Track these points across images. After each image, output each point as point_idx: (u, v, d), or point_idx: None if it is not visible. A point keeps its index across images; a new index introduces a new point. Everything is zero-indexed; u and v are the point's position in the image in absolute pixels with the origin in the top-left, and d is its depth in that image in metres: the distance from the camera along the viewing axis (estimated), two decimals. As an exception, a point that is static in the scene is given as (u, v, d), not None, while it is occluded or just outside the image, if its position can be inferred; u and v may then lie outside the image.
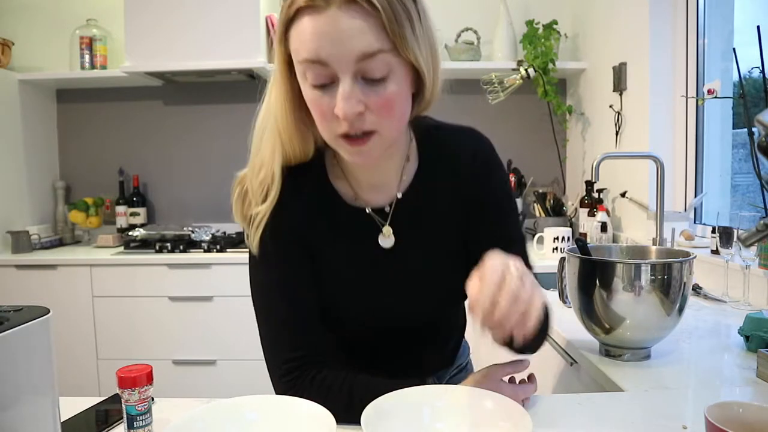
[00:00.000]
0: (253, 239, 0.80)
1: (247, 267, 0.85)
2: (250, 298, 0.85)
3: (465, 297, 0.92)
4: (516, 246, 0.83)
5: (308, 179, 0.83)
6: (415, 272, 0.85)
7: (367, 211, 0.84)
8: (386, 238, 0.84)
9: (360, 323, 0.87)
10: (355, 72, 0.66)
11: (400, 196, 0.84)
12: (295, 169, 0.81)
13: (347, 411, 0.71)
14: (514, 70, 2.55)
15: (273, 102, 0.77)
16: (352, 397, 0.75)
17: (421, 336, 0.92)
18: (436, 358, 0.98)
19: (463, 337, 1.05)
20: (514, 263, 0.62)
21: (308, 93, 0.70)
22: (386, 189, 0.84)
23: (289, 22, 0.68)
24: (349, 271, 0.84)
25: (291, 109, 0.76)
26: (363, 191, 0.84)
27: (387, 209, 0.84)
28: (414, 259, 0.85)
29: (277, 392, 0.80)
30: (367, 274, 0.84)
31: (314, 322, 0.82)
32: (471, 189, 0.84)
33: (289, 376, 0.78)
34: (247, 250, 0.84)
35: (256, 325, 0.84)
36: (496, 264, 0.61)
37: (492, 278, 0.59)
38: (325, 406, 0.68)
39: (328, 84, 0.68)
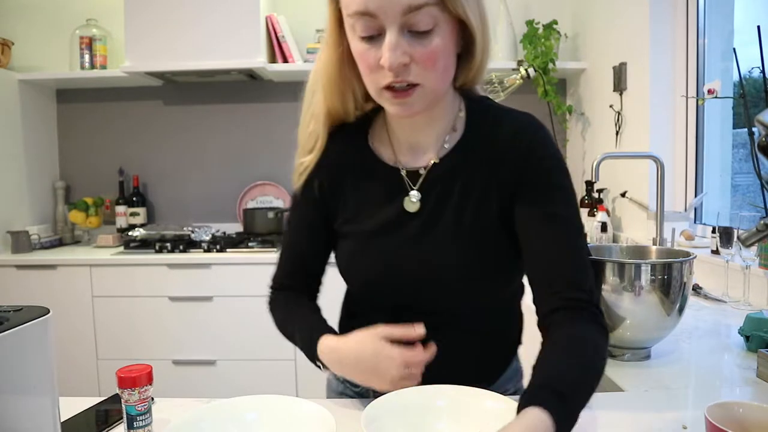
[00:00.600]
0: (297, 182, 0.90)
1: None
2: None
3: (499, 284, 0.84)
4: (561, 224, 0.76)
5: (349, 137, 0.88)
6: (435, 241, 0.82)
7: (402, 172, 0.84)
8: (412, 203, 0.83)
9: (378, 290, 0.86)
10: (402, 24, 0.69)
11: (437, 161, 0.83)
12: (339, 127, 0.87)
13: (288, 333, 0.89)
14: (514, 70, 2.55)
15: (322, 61, 0.82)
16: (293, 322, 0.89)
17: (450, 323, 0.84)
18: (471, 364, 0.87)
19: (515, 356, 0.95)
20: None
21: (356, 46, 0.74)
22: (425, 153, 0.84)
23: None
24: (372, 229, 0.84)
25: (338, 67, 0.80)
26: (402, 154, 0.86)
27: (421, 172, 0.84)
28: (435, 227, 0.82)
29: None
30: (389, 235, 0.83)
31: (313, 267, 0.93)
32: (510, 168, 0.79)
33: (273, 292, 0.94)
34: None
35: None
36: None
37: None
38: (280, 320, 0.91)
39: (375, 36, 0.71)
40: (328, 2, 0.76)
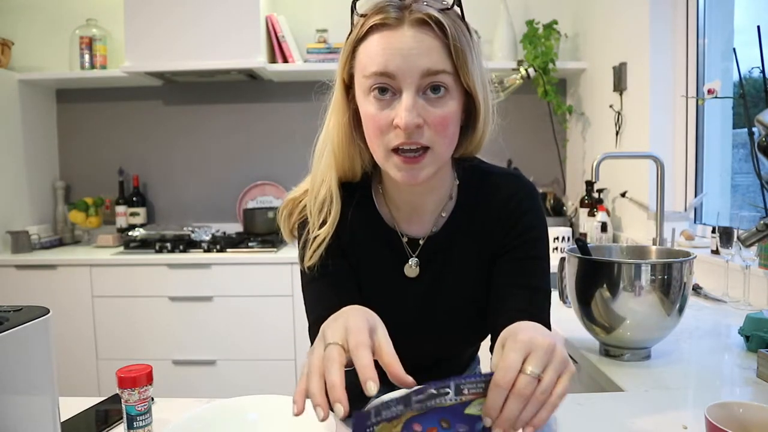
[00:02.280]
0: (311, 258, 0.83)
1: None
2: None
3: (485, 337, 0.92)
4: (531, 294, 0.82)
5: (357, 200, 0.86)
6: (434, 307, 0.87)
7: (403, 240, 0.86)
8: (412, 269, 0.86)
9: None
10: (418, 87, 0.71)
11: (435, 231, 0.85)
12: (346, 189, 0.85)
13: None
14: (514, 70, 2.55)
15: (331, 127, 0.81)
16: None
17: (439, 361, 0.95)
18: (452, 373, 1.00)
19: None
20: (540, 347, 0.56)
21: (368, 108, 0.73)
22: (423, 222, 0.86)
23: (358, 42, 0.73)
24: (375, 293, 0.86)
25: (347, 131, 0.80)
26: (401, 221, 0.87)
27: (420, 242, 0.86)
28: (434, 295, 0.86)
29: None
30: (391, 299, 0.86)
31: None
32: (499, 233, 0.84)
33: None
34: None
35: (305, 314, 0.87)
36: (513, 357, 0.55)
37: (505, 377, 0.55)
38: None
39: (389, 98, 0.72)
40: (341, 64, 0.77)
